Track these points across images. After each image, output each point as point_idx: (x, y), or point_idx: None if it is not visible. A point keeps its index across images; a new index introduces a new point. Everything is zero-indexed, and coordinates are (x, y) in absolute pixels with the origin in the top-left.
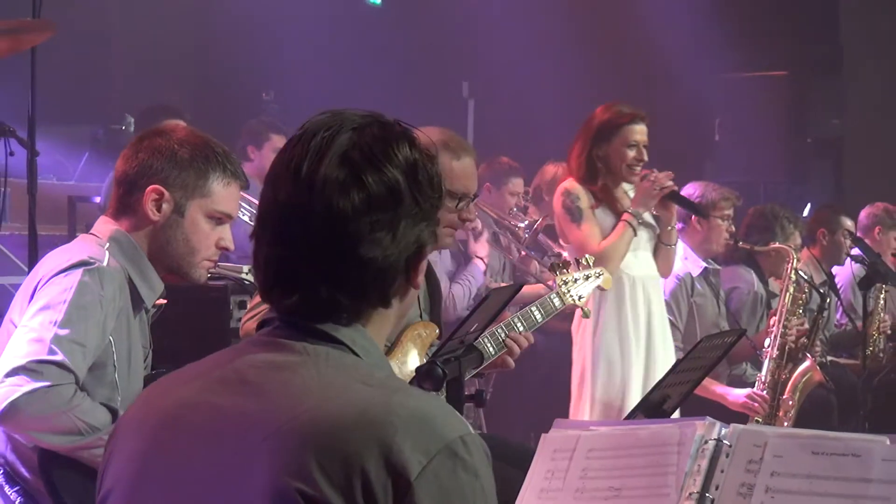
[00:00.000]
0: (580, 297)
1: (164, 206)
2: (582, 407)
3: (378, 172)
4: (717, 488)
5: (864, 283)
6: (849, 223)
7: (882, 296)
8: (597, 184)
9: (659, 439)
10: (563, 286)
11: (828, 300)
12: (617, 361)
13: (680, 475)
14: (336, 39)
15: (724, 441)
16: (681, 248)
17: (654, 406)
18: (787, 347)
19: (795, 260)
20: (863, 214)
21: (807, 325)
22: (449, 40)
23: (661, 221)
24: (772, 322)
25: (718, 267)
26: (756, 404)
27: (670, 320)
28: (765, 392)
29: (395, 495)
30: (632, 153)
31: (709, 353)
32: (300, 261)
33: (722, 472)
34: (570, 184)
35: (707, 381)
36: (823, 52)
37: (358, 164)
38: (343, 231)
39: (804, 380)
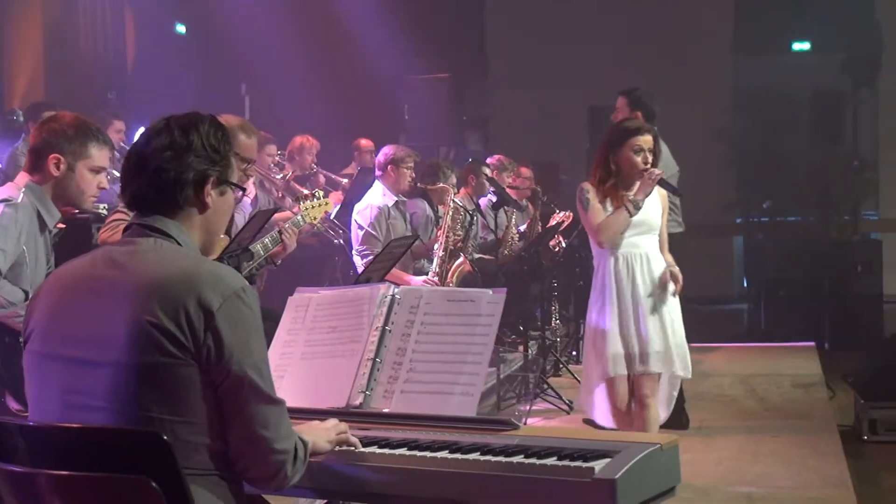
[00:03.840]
0: (315, 218)
1: (62, 166)
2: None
3: (184, 132)
4: (392, 323)
5: (495, 207)
6: (488, 171)
7: (513, 217)
8: (606, 185)
9: (359, 296)
10: (304, 211)
11: (474, 220)
12: (600, 319)
13: (370, 317)
14: (156, 57)
15: (397, 296)
16: (380, 188)
17: (363, 282)
18: (449, 249)
19: (454, 194)
20: (489, 162)
21: (461, 235)
22: (231, 55)
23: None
24: (439, 234)
25: (405, 199)
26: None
27: (374, 235)
28: (436, 279)
29: (205, 321)
30: (638, 157)
31: (394, 250)
32: (140, 179)
33: (395, 314)
34: (585, 184)
35: (397, 272)
36: (473, 58)
37: (174, 127)
38: (155, 157)
39: (459, 270)
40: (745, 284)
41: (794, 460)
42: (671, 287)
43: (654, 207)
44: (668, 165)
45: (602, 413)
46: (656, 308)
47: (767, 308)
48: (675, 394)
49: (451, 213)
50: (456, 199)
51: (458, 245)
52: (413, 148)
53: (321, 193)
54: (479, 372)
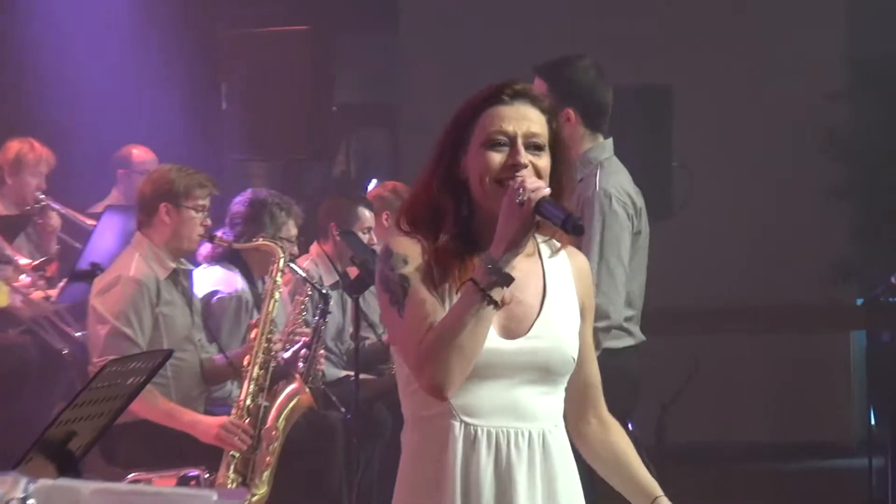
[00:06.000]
0: None
1: None
2: None
3: None
4: None
5: (355, 287)
6: (367, 214)
7: None
8: (438, 234)
9: None
10: None
11: (330, 304)
12: None
13: None
14: None
15: (31, 499)
16: (143, 245)
17: (55, 446)
18: (272, 364)
19: (282, 259)
20: (369, 196)
21: (308, 333)
22: None
23: None
24: (253, 334)
25: (191, 267)
26: (233, 436)
27: (128, 335)
28: (246, 420)
29: None
30: (496, 157)
31: (124, 378)
32: None
33: None
34: (397, 240)
35: (172, 407)
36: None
37: None
38: None
39: (291, 404)
40: (873, 422)
41: None
42: None
43: (564, 304)
44: (618, 192)
45: None
46: None
47: None
48: None
49: (276, 295)
50: (296, 266)
51: (303, 353)
52: (242, 165)
53: None
54: None
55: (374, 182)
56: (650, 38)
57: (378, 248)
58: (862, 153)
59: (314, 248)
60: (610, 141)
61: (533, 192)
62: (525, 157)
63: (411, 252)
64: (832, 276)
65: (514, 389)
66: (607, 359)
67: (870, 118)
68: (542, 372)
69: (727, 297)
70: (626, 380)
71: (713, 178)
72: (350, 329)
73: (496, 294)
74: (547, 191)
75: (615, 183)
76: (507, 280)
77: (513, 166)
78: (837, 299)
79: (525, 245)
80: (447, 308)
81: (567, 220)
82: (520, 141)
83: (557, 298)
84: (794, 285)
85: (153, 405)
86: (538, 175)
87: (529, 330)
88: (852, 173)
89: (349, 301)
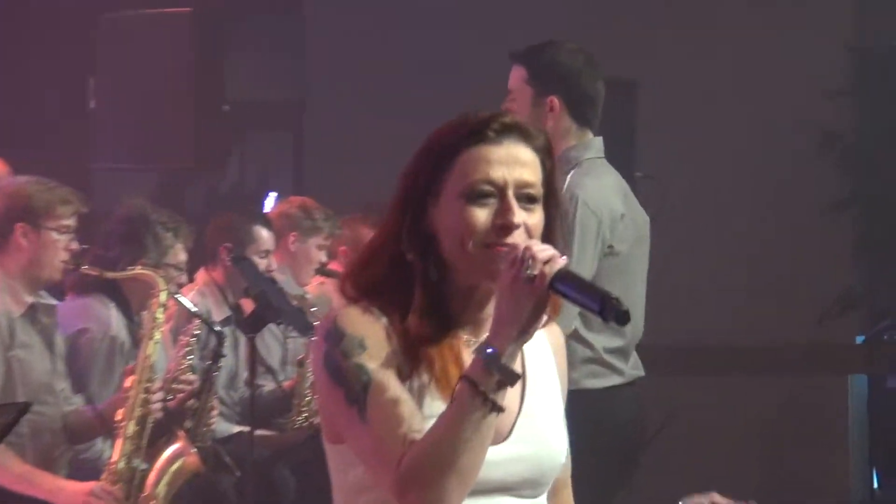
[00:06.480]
0: None
1: None
2: None
3: None
4: None
5: (250, 324)
6: (265, 235)
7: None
8: (403, 306)
9: None
10: None
11: (224, 345)
12: None
13: None
14: None
15: None
16: None
17: None
18: (150, 419)
19: (164, 293)
20: (272, 216)
21: (194, 383)
22: None
23: None
24: (129, 382)
25: (54, 302)
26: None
27: None
28: (119, 486)
29: None
30: (481, 214)
31: None
32: None
33: None
34: (344, 311)
35: (28, 470)
36: None
37: None
38: None
39: (174, 467)
40: (875, 485)
41: None
42: None
43: (546, 393)
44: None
45: None
46: None
47: None
48: None
49: (155, 335)
50: (185, 300)
51: (191, 404)
52: (112, 173)
53: None
54: None
55: (272, 196)
56: (611, 23)
57: (277, 276)
58: (866, 160)
59: (201, 275)
60: (599, 140)
61: (546, 263)
62: (518, 214)
63: (369, 332)
64: (828, 307)
65: (502, 498)
66: (582, 403)
67: (876, 120)
68: (528, 483)
69: (701, 333)
70: (605, 434)
71: (686, 192)
72: (244, 374)
73: (500, 398)
74: (563, 260)
75: (590, 186)
76: (514, 379)
77: (503, 227)
78: (834, 336)
79: (535, 331)
80: (425, 408)
81: (605, 306)
82: (510, 192)
83: (539, 387)
84: (781, 319)
85: (6, 468)
86: (529, 236)
87: (511, 432)
88: (855, 184)
89: (242, 340)
